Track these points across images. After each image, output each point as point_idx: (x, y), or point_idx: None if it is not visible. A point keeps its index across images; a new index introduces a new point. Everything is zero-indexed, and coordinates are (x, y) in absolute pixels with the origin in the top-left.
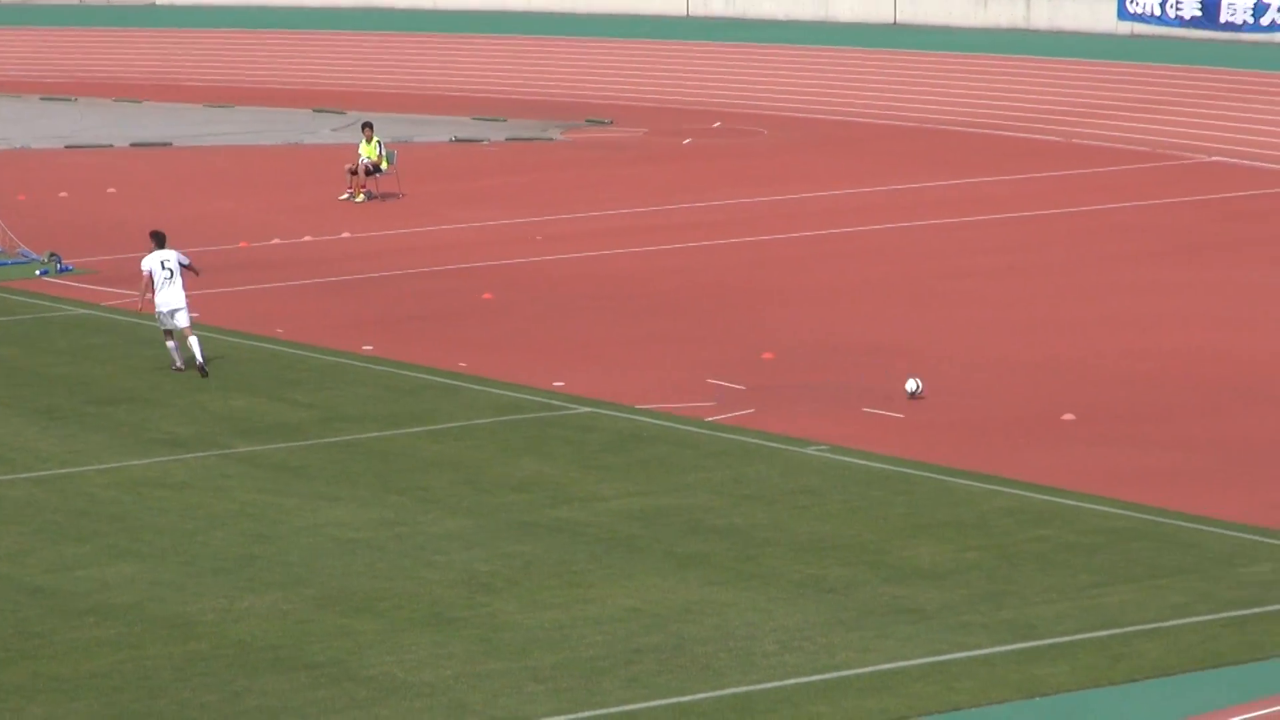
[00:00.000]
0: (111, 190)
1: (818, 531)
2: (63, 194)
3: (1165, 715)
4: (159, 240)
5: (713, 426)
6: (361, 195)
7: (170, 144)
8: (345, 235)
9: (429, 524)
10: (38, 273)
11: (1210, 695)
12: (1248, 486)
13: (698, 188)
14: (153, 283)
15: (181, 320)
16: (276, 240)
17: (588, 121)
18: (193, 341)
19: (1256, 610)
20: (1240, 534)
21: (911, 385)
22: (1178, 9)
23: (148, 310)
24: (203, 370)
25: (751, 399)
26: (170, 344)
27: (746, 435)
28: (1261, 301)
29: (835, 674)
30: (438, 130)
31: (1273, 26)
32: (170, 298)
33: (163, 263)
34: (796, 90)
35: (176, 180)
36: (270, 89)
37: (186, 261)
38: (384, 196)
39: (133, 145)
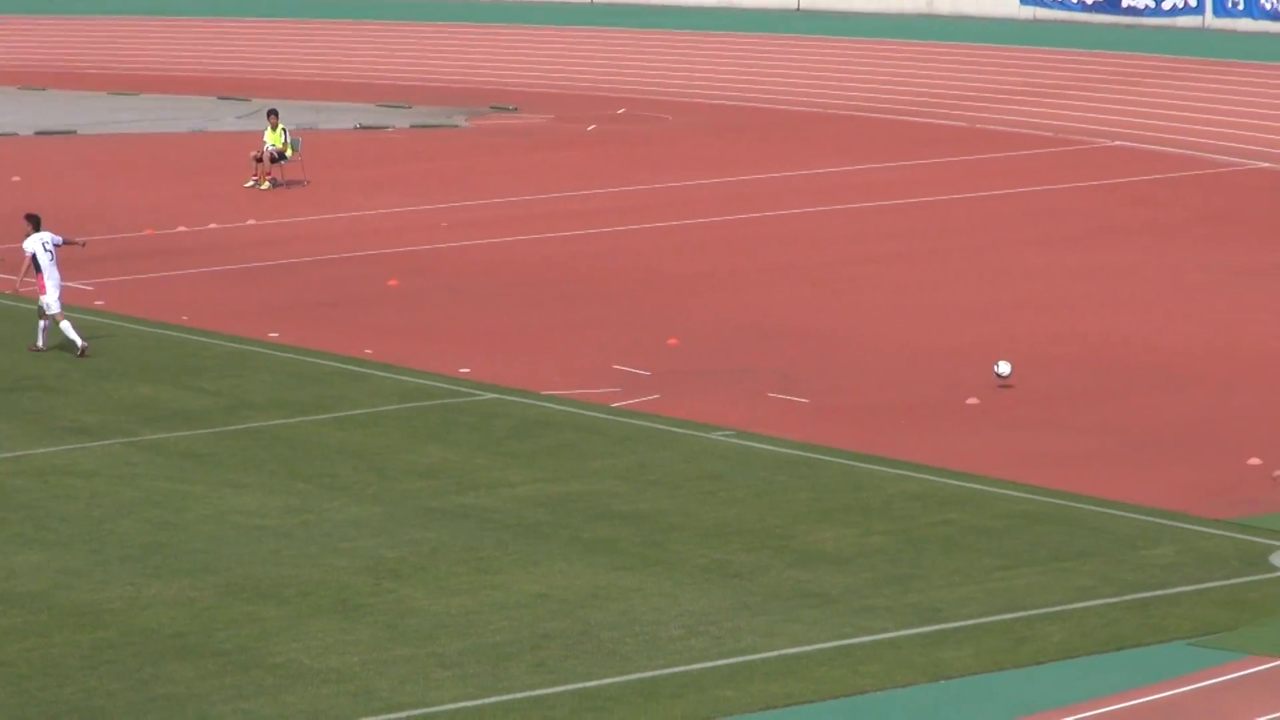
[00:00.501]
0: (16, 179)
1: (723, 517)
2: None
3: (1069, 698)
4: (35, 223)
5: (618, 412)
6: (267, 183)
7: (75, 132)
8: (251, 222)
9: (335, 511)
10: None
11: (1113, 678)
12: (1152, 470)
13: (603, 174)
14: (36, 265)
15: (57, 304)
16: (182, 228)
17: (493, 108)
18: (66, 326)
19: (1158, 593)
20: (1144, 517)
21: (1004, 368)
22: None
23: (28, 293)
24: (84, 352)
25: (657, 385)
26: (42, 324)
27: (652, 421)
28: (1168, 286)
29: (741, 658)
30: (343, 117)
31: (1174, 10)
32: (51, 279)
33: (44, 244)
34: (700, 76)
35: (82, 168)
36: (175, 76)
37: (61, 241)
38: (289, 184)
39: (37, 133)
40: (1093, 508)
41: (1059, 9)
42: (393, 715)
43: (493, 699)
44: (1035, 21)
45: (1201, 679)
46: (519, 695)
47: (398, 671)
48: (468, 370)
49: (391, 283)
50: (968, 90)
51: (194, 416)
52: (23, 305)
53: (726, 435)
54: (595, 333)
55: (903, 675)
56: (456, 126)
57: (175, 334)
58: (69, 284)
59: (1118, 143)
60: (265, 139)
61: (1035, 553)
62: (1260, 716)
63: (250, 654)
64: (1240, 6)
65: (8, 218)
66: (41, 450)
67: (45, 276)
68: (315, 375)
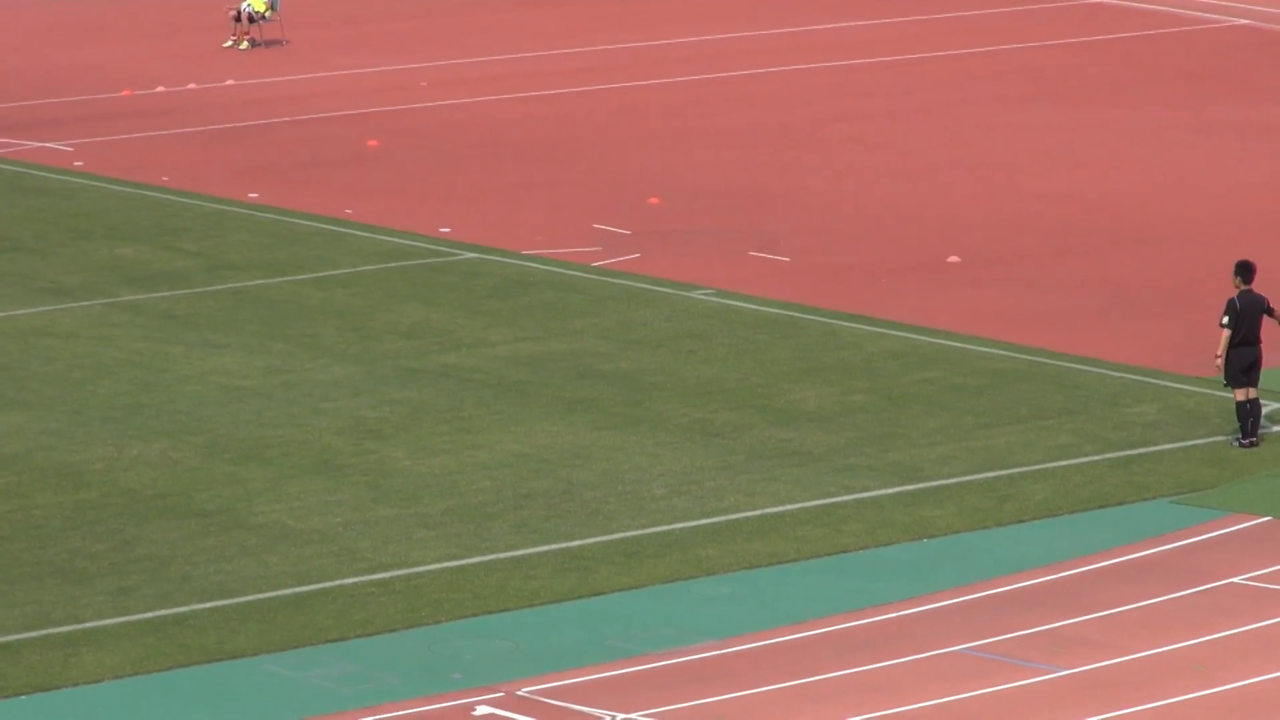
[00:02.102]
0: None
1: (705, 375)
2: None
3: (1052, 556)
4: None
5: (599, 271)
6: (245, 42)
7: None
8: (229, 82)
9: (316, 371)
10: None
11: (1096, 535)
12: (1133, 328)
13: (582, 32)
14: None
15: None
16: (160, 88)
17: None
18: None
19: (1141, 450)
20: (1124, 374)
21: None
22: None
23: None
24: None
25: (638, 244)
26: None
27: (633, 280)
28: (1144, 144)
29: (723, 517)
30: None
31: None
32: None
33: None
34: None
35: (58, 29)
36: None
37: None
38: (268, 43)
39: None
40: (1073, 365)
41: None
42: (376, 575)
43: (476, 559)
44: None
45: (1184, 536)
46: (502, 555)
47: (380, 532)
48: (448, 230)
49: (371, 143)
50: None
51: (174, 277)
52: (2, 166)
53: (707, 294)
54: (575, 192)
55: (885, 534)
56: None
57: (154, 194)
58: (48, 144)
59: None
60: None
61: (1016, 411)
62: (1242, 573)
63: (233, 515)
64: None
65: None
66: (21, 311)
67: None
68: (295, 235)
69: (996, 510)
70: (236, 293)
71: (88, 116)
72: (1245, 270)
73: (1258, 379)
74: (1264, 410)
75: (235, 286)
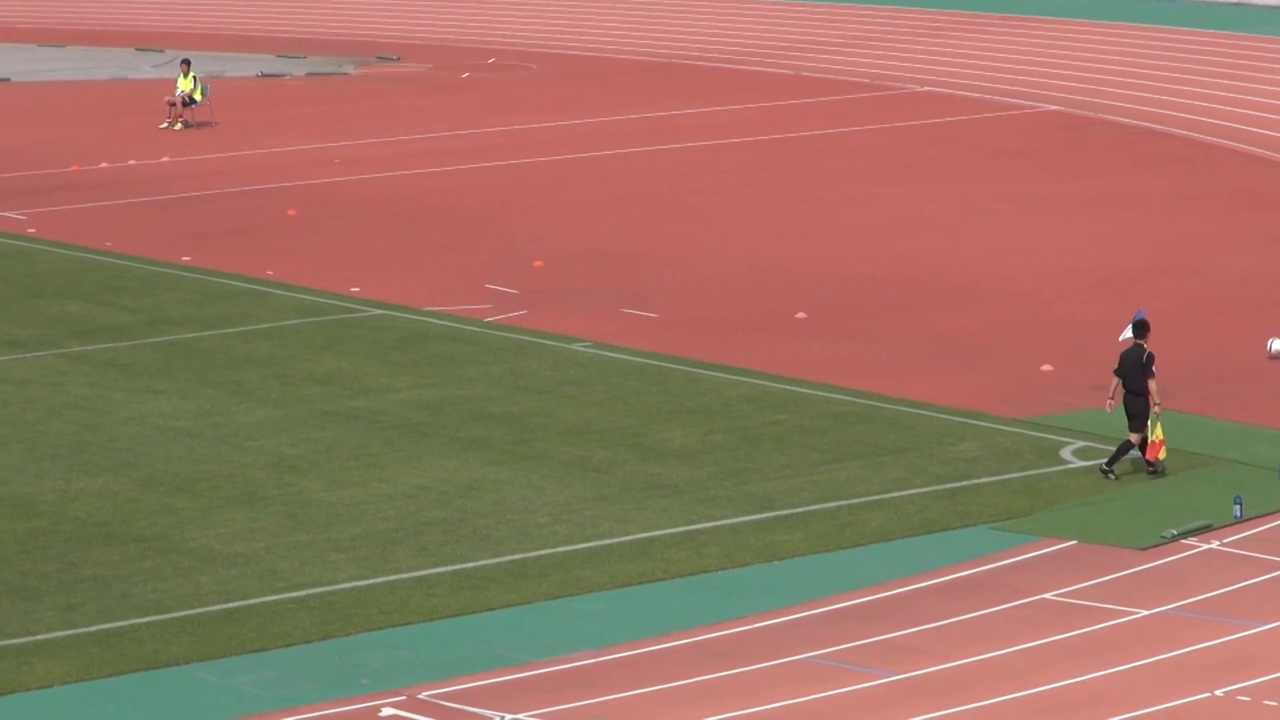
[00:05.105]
0: None
1: (583, 417)
2: None
3: (886, 575)
4: None
5: (491, 326)
6: (179, 124)
7: (9, 79)
8: (165, 159)
9: (241, 414)
10: None
11: (925, 558)
12: (956, 375)
13: (475, 116)
14: None
15: None
16: (104, 164)
17: (378, 58)
18: None
19: (963, 483)
20: (949, 417)
21: (1278, 346)
22: None
23: None
24: None
25: (524, 301)
26: None
27: (520, 333)
28: (968, 213)
29: (599, 542)
30: (246, 66)
31: None
32: None
33: None
34: (560, 31)
35: (14, 111)
36: (97, 30)
37: None
38: (199, 125)
39: None
40: (905, 409)
41: None
42: (294, 593)
43: (381, 579)
44: None
45: (1001, 558)
46: (405, 575)
47: (298, 555)
48: (358, 289)
49: (290, 212)
50: (794, 42)
51: (117, 330)
52: None
53: (585, 346)
54: (470, 256)
55: (741, 556)
56: (346, 74)
57: (99, 258)
58: (3, 213)
59: (925, 88)
60: (178, 85)
61: (856, 448)
62: (1051, 590)
63: (167, 540)
64: None
65: None
66: None
67: None
68: (223, 294)
69: (838, 535)
70: (171, 344)
71: (40, 189)
72: (1137, 328)
73: (1135, 425)
74: (1069, 448)
75: (170, 339)
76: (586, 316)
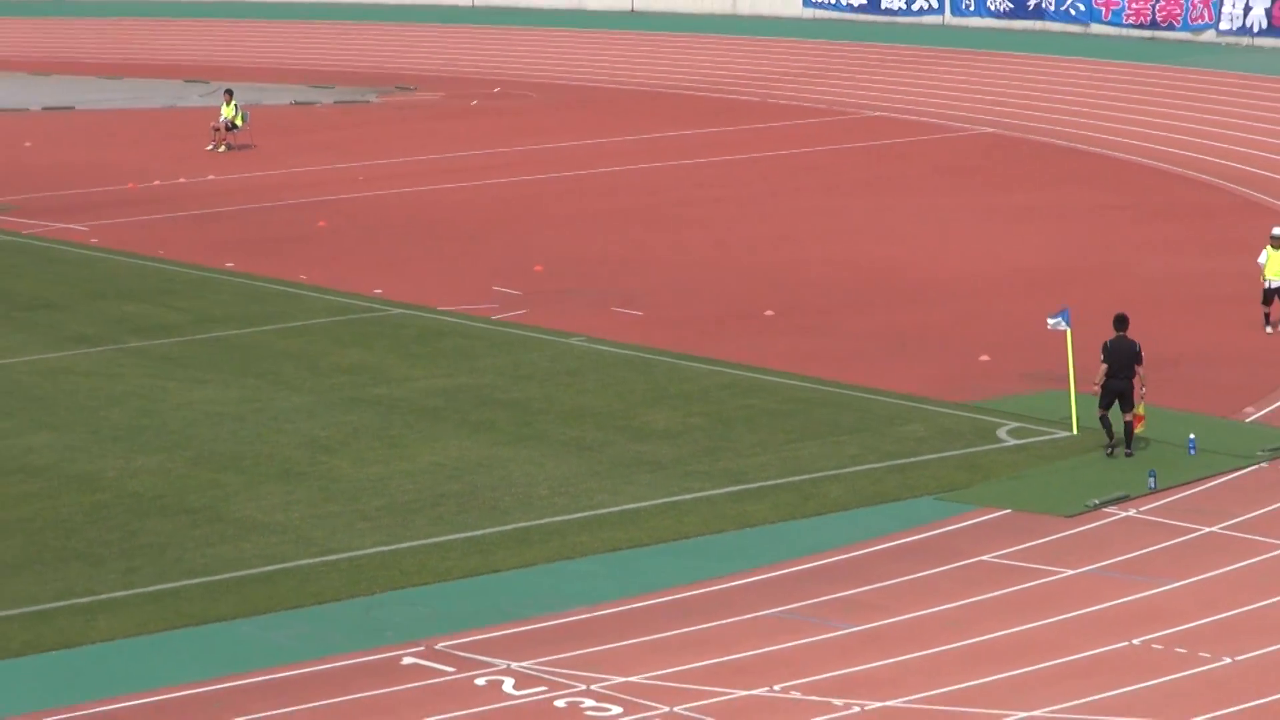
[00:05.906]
0: (28, 144)
1: (579, 403)
2: None
3: (845, 540)
4: None
5: (496, 323)
6: (223, 147)
7: (74, 107)
8: (211, 177)
9: (279, 400)
10: None
11: (879, 525)
12: (905, 365)
13: (482, 139)
14: None
15: None
16: (157, 182)
17: (398, 88)
18: None
19: (912, 459)
20: (899, 401)
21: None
22: None
23: None
24: None
25: (526, 302)
26: None
27: (523, 330)
28: (916, 222)
29: (593, 512)
30: (281, 95)
31: (921, 11)
32: None
33: None
34: (558, 63)
35: (79, 136)
36: (151, 64)
37: None
38: (240, 147)
39: (44, 109)
40: (860, 394)
41: (833, 10)
42: (326, 557)
43: (403, 544)
44: (815, 19)
45: (945, 525)
46: (423, 541)
47: (329, 524)
48: (380, 291)
49: (320, 224)
50: (762, 73)
51: (169, 328)
52: (36, 243)
53: (580, 340)
54: (478, 262)
55: (717, 524)
56: (369, 102)
57: (153, 264)
58: (70, 225)
59: (878, 113)
60: (221, 112)
61: (817, 429)
62: (989, 552)
63: (215, 511)
64: (971, 7)
65: (22, 173)
66: (51, 355)
67: None
68: (262, 296)
69: (802, 505)
70: (217, 340)
71: (101, 204)
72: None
73: (1125, 405)
74: (1004, 429)
75: (216, 335)
76: (581, 314)
